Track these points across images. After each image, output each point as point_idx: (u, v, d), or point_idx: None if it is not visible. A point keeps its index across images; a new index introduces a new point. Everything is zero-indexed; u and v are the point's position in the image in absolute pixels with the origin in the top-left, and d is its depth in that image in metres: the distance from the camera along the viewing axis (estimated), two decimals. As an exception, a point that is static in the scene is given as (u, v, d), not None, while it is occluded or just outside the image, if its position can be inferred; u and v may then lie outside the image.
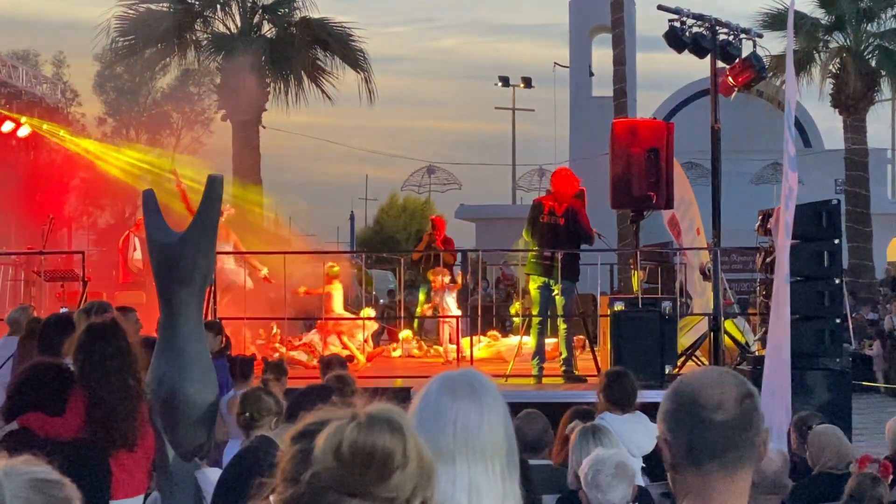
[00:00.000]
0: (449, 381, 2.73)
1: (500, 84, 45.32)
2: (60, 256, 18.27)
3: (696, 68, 17.84)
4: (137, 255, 16.63)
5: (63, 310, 12.10)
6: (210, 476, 6.48)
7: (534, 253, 13.45)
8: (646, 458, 7.31)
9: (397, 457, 2.03)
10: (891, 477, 6.73)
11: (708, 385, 2.62)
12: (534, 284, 13.47)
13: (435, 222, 19.86)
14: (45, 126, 22.64)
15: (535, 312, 13.65)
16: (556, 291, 13.20)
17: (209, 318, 12.40)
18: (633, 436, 7.37)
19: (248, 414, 6.64)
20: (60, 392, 5.51)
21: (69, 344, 5.84)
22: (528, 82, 45.11)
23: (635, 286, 14.01)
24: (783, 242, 10.11)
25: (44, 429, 5.43)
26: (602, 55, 34.82)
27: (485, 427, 2.65)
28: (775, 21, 29.74)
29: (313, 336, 16.40)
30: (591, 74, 37.76)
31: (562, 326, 13.43)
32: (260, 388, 7.13)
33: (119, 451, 5.46)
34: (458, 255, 18.91)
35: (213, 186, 5.59)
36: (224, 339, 10.84)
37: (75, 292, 15.33)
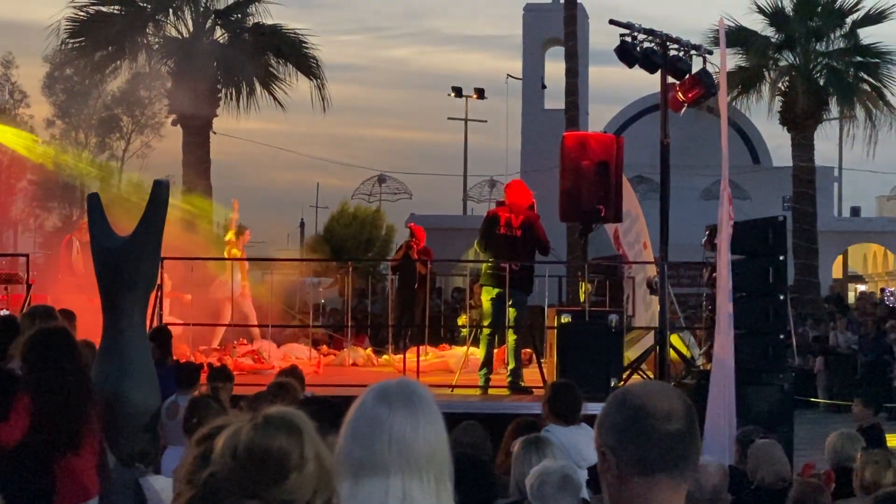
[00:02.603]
0: (385, 391, 2.70)
1: (452, 94, 45.34)
2: (5, 259, 18.08)
3: (647, 83, 17.97)
4: (79, 259, 16.49)
5: (3, 312, 11.96)
6: (154, 483, 6.43)
7: (489, 264, 13.48)
8: (591, 470, 7.32)
9: (293, 458, 2.04)
10: (833, 485, 6.81)
11: (656, 396, 2.63)
12: (487, 296, 13.50)
13: (413, 230, 19.20)
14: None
15: (486, 323, 13.67)
16: (510, 303, 13.23)
17: (154, 324, 12.30)
18: (580, 447, 7.38)
19: (195, 420, 6.61)
20: (5, 397, 5.44)
21: (14, 347, 5.79)
22: (480, 93, 45.15)
23: (582, 298, 14.05)
24: (724, 259, 10.18)
25: (-14, 433, 5.35)
26: (555, 68, 34.99)
27: (420, 438, 2.63)
28: (726, 38, 29.96)
29: (262, 343, 16.39)
30: (544, 87, 37.90)
31: (511, 337, 13.46)
32: (209, 395, 7.09)
33: (64, 454, 5.39)
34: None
35: (160, 191, 5.56)
36: (160, 349, 10.59)
37: (19, 295, 15.16)
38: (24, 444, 5.34)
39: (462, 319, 20.34)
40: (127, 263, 5.46)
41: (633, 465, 2.59)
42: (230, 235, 17.51)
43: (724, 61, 12.82)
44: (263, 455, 2.03)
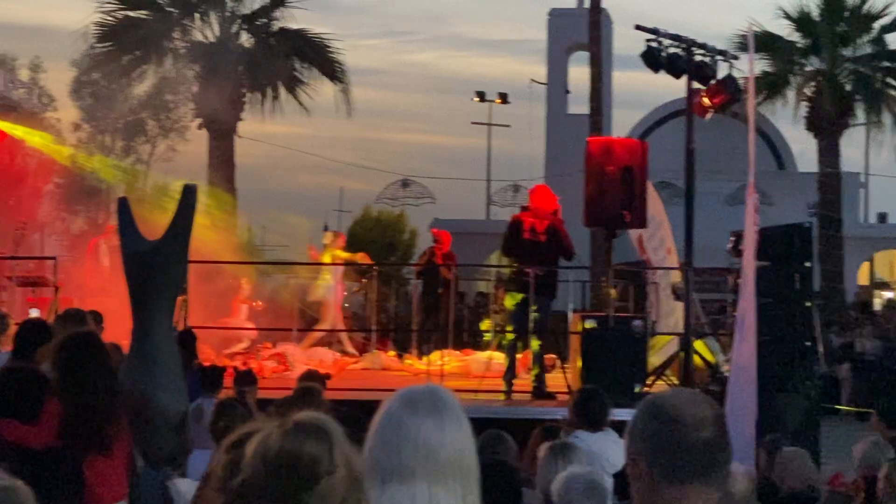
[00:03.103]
0: (411, 396, 2.71)
1: (476, 99, 45.32)
2: (32, 262, 18.18)
3: (672, 88, 17.93)
4: (106, 262, 16.61)
5: (33, 311, 12.03)
6: (180, 486, 6.46)
7: (513, 269, 13.48)
8: (617, 477, 7.30)
9: (324, 463, 2.05)
10: (863, 495, 6.77)
11: (687, 404, 2.65)
12: (511, 301, 13.50)
13: (437, 235, 19.01)
14: (19, 131, 22.52)
15: (509, 328, 13.67)
16: (534, 308, 13.23)
17: (180, 327, 12.35)
18: (606, 453, 7.36)
19: (222, 423, 6.64)
20: (35, 399, 5.46)
21: (45, 351, 5.81)
22: (504, 98, 45.10)
23: (607, 304, 14.03)
24: (749, 265, 10.15)
25: (16, 436, 5.37)
26: (579, 73, 34.94)
27: (446, 444, 2.63)
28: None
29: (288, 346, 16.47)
30: (568, 92, 37.85)
31: (535, 343, 13.45)
32: (236, 398, 7.14)
33: (94, 456, 5.41)
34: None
35: (188, 195, 5.59)
36: (185, 352, 10.65)
37: (47, 298, 15.25)
38: (54, 446, 5.36)
39: (485, 324, 20.32)
40: (156, 267, 5.48)
41: (665, 473, 2.60)
42: (328, 257, 17.70)
43: (753, 67, 12.78)
44: (294, 461, 2.04)
